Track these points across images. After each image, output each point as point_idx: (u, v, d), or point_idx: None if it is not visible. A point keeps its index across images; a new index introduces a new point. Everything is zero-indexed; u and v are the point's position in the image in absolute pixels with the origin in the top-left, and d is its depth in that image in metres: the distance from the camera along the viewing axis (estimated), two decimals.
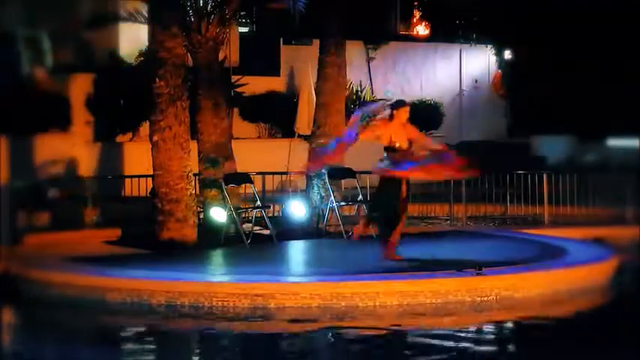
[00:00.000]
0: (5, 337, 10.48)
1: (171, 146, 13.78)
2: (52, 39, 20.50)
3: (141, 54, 20.22)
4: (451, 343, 9.70)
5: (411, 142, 12.19)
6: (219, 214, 14.29)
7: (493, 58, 27.46)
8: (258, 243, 14.17)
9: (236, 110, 21.66)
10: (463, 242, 14.19)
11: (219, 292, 10.81)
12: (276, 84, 23.40)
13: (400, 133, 12.13)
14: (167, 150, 13.79)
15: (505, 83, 27.15)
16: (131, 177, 16.91)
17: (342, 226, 14.77)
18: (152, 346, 9.98)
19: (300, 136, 20.49)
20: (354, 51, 22.81)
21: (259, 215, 14.95)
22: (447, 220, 16.83)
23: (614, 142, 22.07)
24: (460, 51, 27.40)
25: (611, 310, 11.24)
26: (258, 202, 14.89)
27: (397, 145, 12.09)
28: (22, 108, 18.35)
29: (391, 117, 12.14)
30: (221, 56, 15.77)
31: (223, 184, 14.26)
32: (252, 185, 14.96)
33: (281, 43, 24.52)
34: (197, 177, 14.78)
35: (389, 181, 12.17)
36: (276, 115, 21.87)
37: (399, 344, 9.80)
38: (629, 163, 19.34)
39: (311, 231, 15.21)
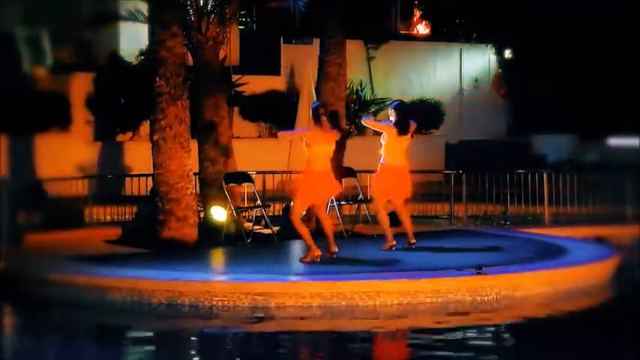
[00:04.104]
0: (5, 336, 10.46)
1: (171, 145, 13.77)
2: (52, 39, 20.52)
3: (141, 53, 20.24)
4: (451, 342, 9.70)
5: None
6: (219, 214, 14.29)
7: (493, 58, 27.51)
8: (258, 242, 14.17)
9: (236, 109, 21.67)
10: (463, 241, 14.16)
11: (219, 292, 10.80)
12: (276, 83, 23.40)
13: None
14: (167, 149, 13.78)
15: (505, 83, 27.19)
16: (131, 176, 16.88)
17: (342, 225, 14.77)
18: (152, 346, 9.98)
19: None
20: (354, 50, 22.79)
21: (260, 214, 14.95)
22: (448, 219, 16.79)
23: (614, 142, 22.08)
24: (460, 51, 27.41)
25: (612, 310, 11.24)
26: (259, 201, 14.90)
27: None
28: (22, 108, 18.36)
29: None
30: (221, 55, 15.76)
31: (224, 183, 14.25)
32: (252, 184, 14.95)
33: (281, 42, 24.54)
34: (197, 176, 14.77)
35: None
36: (276, 114, 21.87)
37: (398, 343, 9.80)
38: (629, 162, 19.34)
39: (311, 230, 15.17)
